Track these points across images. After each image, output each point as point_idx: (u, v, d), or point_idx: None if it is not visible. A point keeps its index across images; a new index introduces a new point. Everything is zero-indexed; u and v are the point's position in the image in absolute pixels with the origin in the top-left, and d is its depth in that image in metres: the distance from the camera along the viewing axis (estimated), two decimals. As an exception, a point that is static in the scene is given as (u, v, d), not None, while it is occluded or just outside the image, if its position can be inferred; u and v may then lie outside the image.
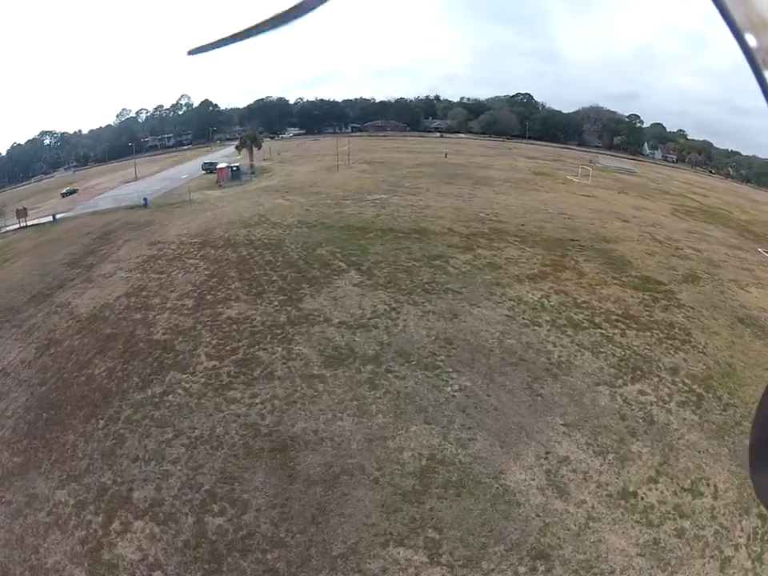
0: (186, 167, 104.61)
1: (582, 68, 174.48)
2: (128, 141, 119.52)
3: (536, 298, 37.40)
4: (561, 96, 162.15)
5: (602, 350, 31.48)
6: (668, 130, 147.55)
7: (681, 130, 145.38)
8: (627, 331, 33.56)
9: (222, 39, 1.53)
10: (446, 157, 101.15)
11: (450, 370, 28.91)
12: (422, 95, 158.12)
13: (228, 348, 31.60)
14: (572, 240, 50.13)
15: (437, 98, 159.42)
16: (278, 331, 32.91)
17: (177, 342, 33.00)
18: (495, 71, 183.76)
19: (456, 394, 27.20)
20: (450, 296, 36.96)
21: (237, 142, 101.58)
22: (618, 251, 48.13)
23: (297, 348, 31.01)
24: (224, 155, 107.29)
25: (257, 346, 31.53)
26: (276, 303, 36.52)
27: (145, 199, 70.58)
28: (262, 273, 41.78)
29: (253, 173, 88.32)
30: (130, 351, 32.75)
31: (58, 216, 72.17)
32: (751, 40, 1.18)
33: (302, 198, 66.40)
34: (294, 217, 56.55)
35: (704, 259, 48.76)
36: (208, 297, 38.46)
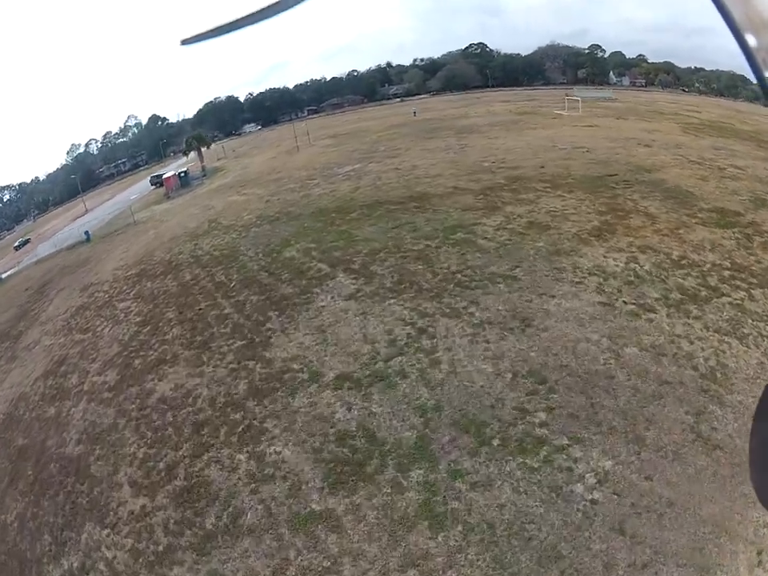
0: (138, 187, 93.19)
1: (526, 13, 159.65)
2: (81, 176, 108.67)
3: (622, 264, 24.55)
4: (512, 45, 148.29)
5: (744, 330, 19.51)
6: (628, 58, 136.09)
7: (641, 55, 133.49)
8: (753, 291, 21.87)
9: (211, 30, 1.45)
10: (415, 115, 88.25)
11: (566, 441, 14.97)
12: (374, 67, 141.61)
13: (161, 465, 17.83)
14: (610, 176, 38.42)
15: (389, 64, 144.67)
16: (237, 416, 18.93)
17: (92, 458, 19.78)
18: (442, 33, 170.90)
19: (596, 499, 13.34)
20: (501, 287, 23.06)
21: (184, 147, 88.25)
22: (668, 181, 37.18)
23: (273, 451, 16.87)
24: (178, 165, 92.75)
25: (205, 456, 17.47)
26: (230, 358, 22.59)
27: (86, 233, 58.74)
28: (210, 305, 28.25)
29: (204, 175, 75.74)
30: (40, 481, 20.00)
31: (4, 275, 60.83)
32: (751, 40, 1.15)
33: (260, 189, 52.74)
34: (251, 213, 43.38)
35: (752, 177, 38.01)
36: (136, 362, 25.20)
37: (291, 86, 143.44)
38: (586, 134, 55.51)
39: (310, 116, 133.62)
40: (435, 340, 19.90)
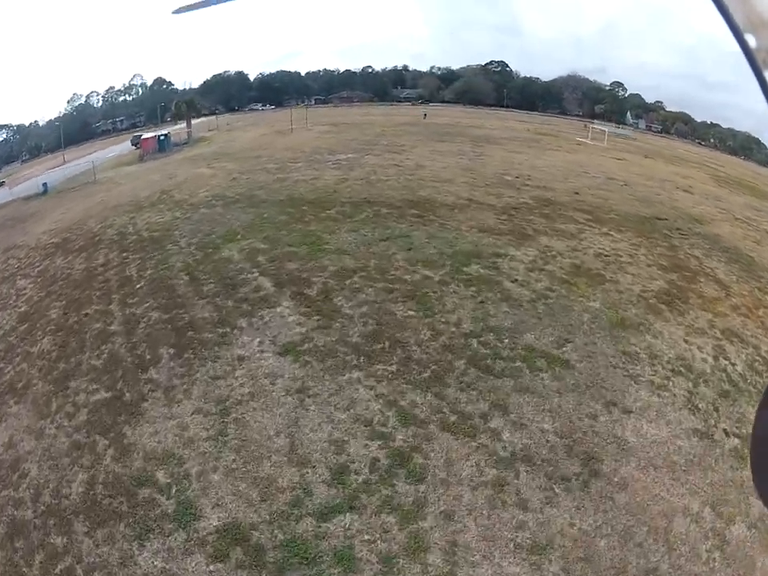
0: (123, 146, 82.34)
1: (546, 43, 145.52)
2: (78, 128, 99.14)
3: (710, 360, 16.32)
4: (528, 69, 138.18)
5: None
6: (646, 102, 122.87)
7: (658, 101, 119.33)
8: None
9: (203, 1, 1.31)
10: (425, 117, 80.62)
11: None
12: (390, 67, 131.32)
13: None
14: (659, 219, 31.47)
15: (405, 68, 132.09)
16: (56, 542, 10.94)
17: None
18: (460, 45, 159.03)
19: None
20: (546, 379, 14.32)
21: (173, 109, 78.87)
22: (723, 238, 30.49)
23: None
24: (172, 131, 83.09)
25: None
26: (82, 419, 14.10)
27: (44, 185, 51.63)
28: (100, 311, 19.80)
29: (186, 142, 67.92)
30: None
31: (-50, 218, 50.58)
32: (751, 40, 1.16)
33: (234, 163, 43.53)
34: (211, 190, 34.64)
35: (809, 247, 31.57)
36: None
37: (303, 73, 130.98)
38: (617, 167, 48.27)
39: (317, 105, 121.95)
40: (424, 490, 10.86)
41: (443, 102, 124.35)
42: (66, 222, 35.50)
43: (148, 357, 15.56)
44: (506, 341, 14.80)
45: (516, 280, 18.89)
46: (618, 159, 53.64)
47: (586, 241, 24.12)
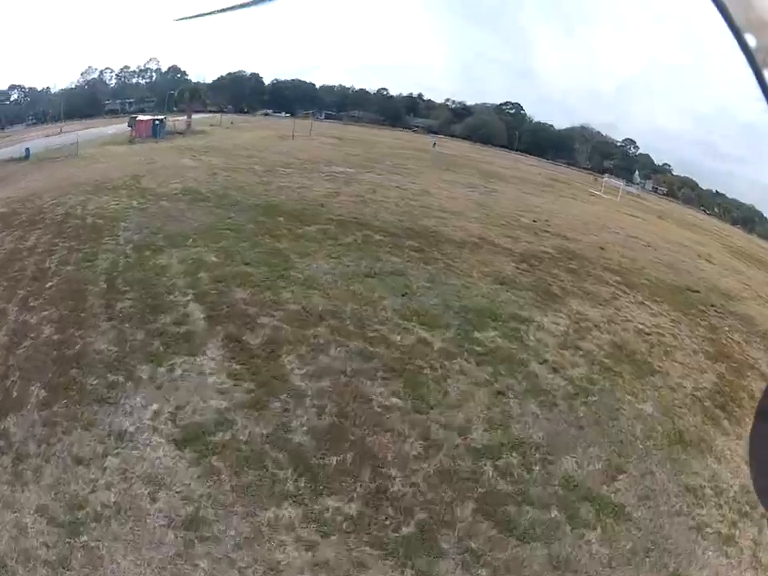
0: (122, 126, 75.65)
1: (560, 91, 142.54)
2: (86, 102, 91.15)
3: None
4: (539, 115, 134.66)
5: None
6: (655, 163, 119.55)
7: (666, 164, 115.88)
8: None
9: (211, 11, 1.38)
10: (434, 146, 75.80)
11: None
12: (405, 93, 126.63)
13: None
14: (692, 291, 27.74)
15: (420, 96, 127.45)
16: None
17: None
18: (475, 81, 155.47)
19: None
20: (591, 547, 8.70)
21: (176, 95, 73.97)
22: (758, 321, 26.15)
23: None
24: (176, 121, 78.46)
25: None
26: None
27: (26, 150, 49.55)
28: None
29: (180, 132, 64.31)
30: None
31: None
32: (751, 40, 1.14)
33: (221, 159, 39.59)
34: (184, 182, 30.48)
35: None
36: None
37: (317, 86, 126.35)
38: (635, 225, 45.49)
39: (327, 119, 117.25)
40: None
41: (453, 135, 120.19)
42: (25, 192, 31.75)
43: (14, 394, 10.53)
44: (536, 468, 9.66)
45: (546, 360, 14.12)
46: (634, 216, 50.76)
47: (623, 311, 20.09)
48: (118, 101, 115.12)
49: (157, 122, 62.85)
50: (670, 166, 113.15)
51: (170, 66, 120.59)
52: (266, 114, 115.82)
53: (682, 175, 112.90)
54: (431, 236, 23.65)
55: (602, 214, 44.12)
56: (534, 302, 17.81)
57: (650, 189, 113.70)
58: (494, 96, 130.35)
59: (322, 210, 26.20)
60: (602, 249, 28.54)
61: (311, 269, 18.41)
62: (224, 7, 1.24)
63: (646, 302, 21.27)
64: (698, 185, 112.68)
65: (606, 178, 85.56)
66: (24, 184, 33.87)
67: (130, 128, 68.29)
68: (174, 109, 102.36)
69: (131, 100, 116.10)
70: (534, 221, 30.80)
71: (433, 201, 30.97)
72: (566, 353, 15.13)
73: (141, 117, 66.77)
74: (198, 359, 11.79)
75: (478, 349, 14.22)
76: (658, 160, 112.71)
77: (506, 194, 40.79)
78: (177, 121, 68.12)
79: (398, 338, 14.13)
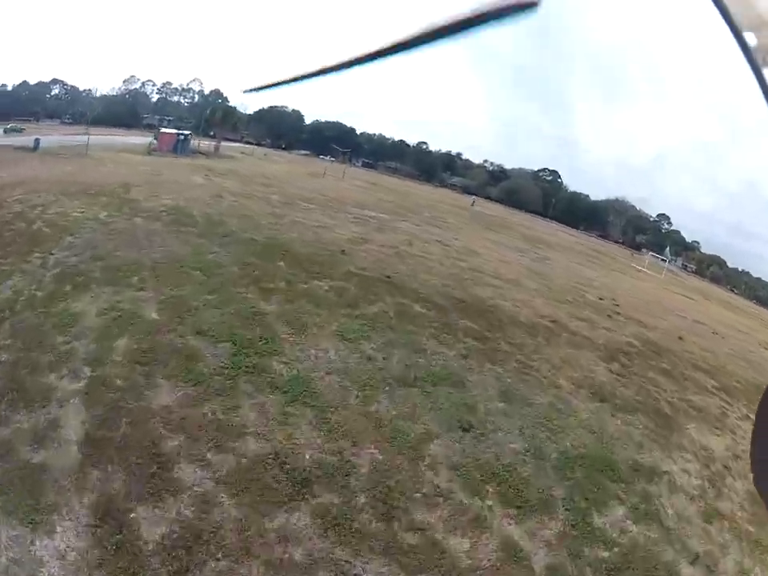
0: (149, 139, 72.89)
1: (595, 162, 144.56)
2: (128, 112, 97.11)
3: None
4: (573, 184, 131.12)
5: None
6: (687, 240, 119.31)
7: (695, 241, 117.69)
8: None
9: (279, 82, 1.30)
10: (473, 205, 70.07)
11: None
12: (444, 149, 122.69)
13: None
14: None
15: (459, 155, 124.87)
16: None
17: None
18: (514, 145, 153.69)
19: None
20: None
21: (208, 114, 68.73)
22: None
23: None
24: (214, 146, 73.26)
25: None
26: None
27: (36, 141, 47.78)
28: None
29: (204, 153, 56.61)
30: None
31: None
32: (751, 39, 1.09)
33: (235, 183, 33.71)
34: (177, 199, 24.32)
35: None
36: None
37: (358, 131, 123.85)
38: (690, 306, 39.56)
39: (363, 167, 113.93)
40: None
41: (488, 197, 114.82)
42: (6, 180, 27.59)
43: None
44: None
45: (697, 556, 7.84)
46: (685, 297, 45.12)
47: (738, 434, 13.90)
48: (157, 116, 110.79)
49: (181, 137, 56.00)
50: (698, 243, 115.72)
51: (213, 89, 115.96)
52: (305, 154, 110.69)
53: (710, 253, 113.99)
54: (490, 313, 16.18)
55: (655, 292, 38.48)
56: (651, 433, 11.01)
57: (680, 266, 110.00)
58: (531, 161, 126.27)
59: (342, 257, 18.73)
60: (681, 339, 22.24)
61: (305, 355, 10.87)
62: (290, 78, 1.15)
63: (750, 415, 13.99)
64: (725, 263, 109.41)
65: (643, 254, 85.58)
66: (13, 172, 29.70)
67: (154, 140, 62.26)
68: (211, 133, 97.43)
69: (170, 117, 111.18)
70: (601, 299, 24.88)
71: (482, 263, 24.32)
72: (711, 529, 8.68)
73: (165, 129, 60.59)
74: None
75: (603, 555, 7.44)
76: (688, 237, 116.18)
77: (558, 262, 34.60)
78: (207, 143, 62.31)
79: (464, 545, 7.27)
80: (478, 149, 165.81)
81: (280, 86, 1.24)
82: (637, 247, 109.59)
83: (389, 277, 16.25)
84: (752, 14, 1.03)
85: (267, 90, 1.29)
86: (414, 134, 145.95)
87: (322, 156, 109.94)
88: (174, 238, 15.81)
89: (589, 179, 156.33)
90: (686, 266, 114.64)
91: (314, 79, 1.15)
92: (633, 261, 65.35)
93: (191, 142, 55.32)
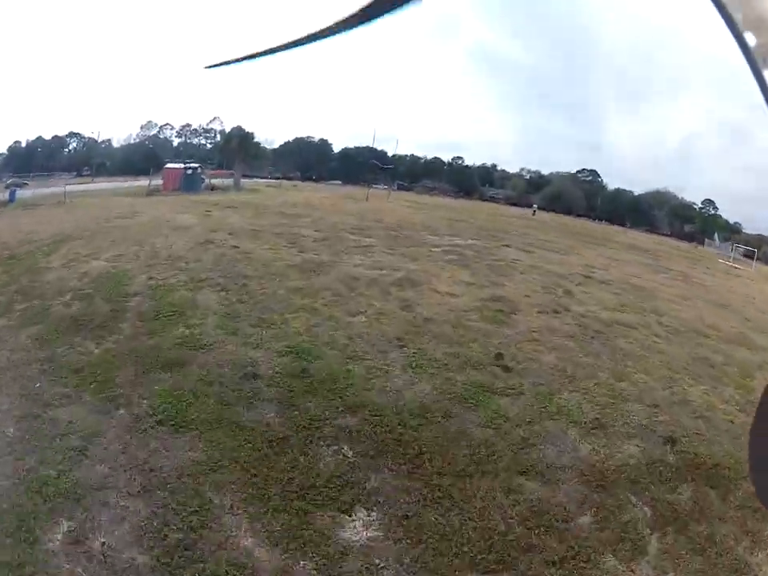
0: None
1: (624, 159, 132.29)
2: (148, 158, 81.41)
3: None
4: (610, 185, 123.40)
5: None
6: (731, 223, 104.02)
7: (737, 223, 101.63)
8: None
9: (244, 57, 1.28)
10: (534, 214, 67.97)
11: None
12: (478, 163, 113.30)
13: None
14: None
15: (494, 166, 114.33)
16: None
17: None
18: (545, 154, 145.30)
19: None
20: None
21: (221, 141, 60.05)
22: None
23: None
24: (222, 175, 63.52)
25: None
26: None
27: (11, 193, 43.22)
28: None
29: (219, 189, 48.79)
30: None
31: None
32: (751, 39, 1.08)
33: (245, 218, 24.71)
34: (128, 260, 16.97)
35: None
36: None
37: (390, 154, 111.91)
38: None
39: (399, 190, 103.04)
40: None
41: (529, 206, 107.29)
42: None
43: None
44: None
45: None
46: None
47: None
48: (179, 160, 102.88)
49: (189, 170, 46.51)
50: (740, 224, 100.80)
51: (234, 126, 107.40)
52: (337, 184, 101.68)
53: (754, 233, 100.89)
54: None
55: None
56: None
57: (730, 251, 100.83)
58: (564, 165, 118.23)
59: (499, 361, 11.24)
60: None
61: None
62: (255, 52, 1.14)
63: None
64: None
65: (706, 245, 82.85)
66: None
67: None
68: (229, 167, 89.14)
69: (192, 160, 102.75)
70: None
71: (666, 306, 15.31)
72: None
73: (169, 165, 51.73)
74: None
75: None
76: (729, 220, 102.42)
77: (701, 279, 25.68)
78: (218, 174, 52.52)
79: None
80: (509, 162, 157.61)
81: (244, 61, 1.19)
82: (683, 238, 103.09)
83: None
84: (752, 14, 1.01)
85: (231, 65, 1.23)
86: (444, 153, 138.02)
87: (362, 182, 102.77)
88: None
89: (623, 176, 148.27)
90: (735, 248, 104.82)
91: (277, 53, 1.13)
92: (712, 257, 59.98)
93: (202, 176, 46.06)
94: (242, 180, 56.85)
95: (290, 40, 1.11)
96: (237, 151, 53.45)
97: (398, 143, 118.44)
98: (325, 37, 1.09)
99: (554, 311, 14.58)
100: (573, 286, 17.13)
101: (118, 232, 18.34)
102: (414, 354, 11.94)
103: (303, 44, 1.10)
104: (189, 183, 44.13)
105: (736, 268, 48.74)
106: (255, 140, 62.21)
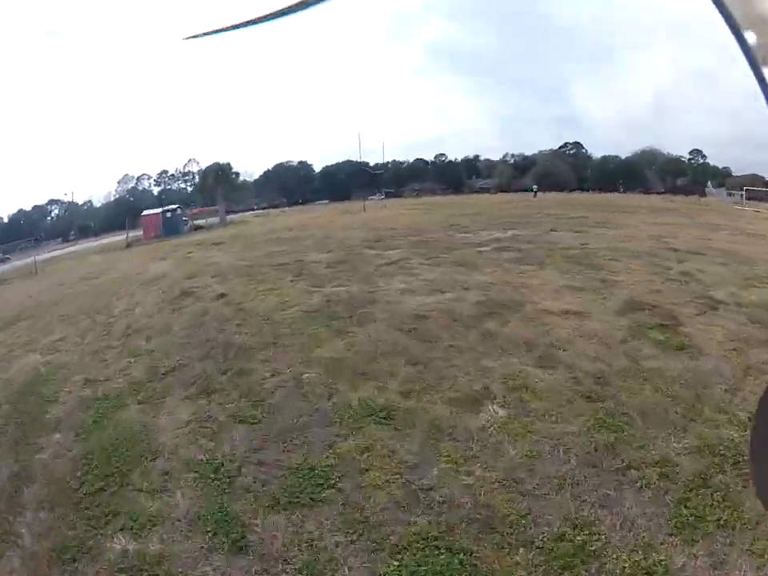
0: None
1: (601, 128, 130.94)
2: (130, 211, 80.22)
3: None
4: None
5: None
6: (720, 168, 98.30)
7: (726, 167, 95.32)
8: None
9: (221, 28, 1.26)
10: (535, 196, 65.41)
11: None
12: (460, 158, 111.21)
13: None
14: None
15: (476, 157, 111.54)
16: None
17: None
18: (523, 136, 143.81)
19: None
20: None
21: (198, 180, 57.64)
22: None
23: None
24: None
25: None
26: None
27: None
28: None
29: (202, 227, 45.86)
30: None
31: None
32: (751, 38, 1.06)
33: (235, 254, 19.06)
34: (63, 352, 11.07)
35: None
36: None
37: (371, 164, 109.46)
38: None
39: (388, 198, 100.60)
40: None
41: (523, 190, 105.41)
42: None
43: None
44: None
45: None
46: None
47: None
48: (161, 207, 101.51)
49: (168, 212, 43.44)
50: (729, 168, 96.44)
51: (211, 163, 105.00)
52: (325, 203, 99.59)
53: (743, 174, 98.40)
54: None
55: None
56: None
57: (726, 195, 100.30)
58: (546, 143, 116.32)
59: None
60: None
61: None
62: (236, 24, 1.11)
63: None
64: (763, 178, 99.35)
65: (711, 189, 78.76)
66: None
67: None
68: (211, 204, 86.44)
69: (174, 206, 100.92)
70: None
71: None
72: None
73: (146, 212, 48.90)
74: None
75: None
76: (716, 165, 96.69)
77: (752, 229, 23.03)
78: (202, 212, 49.56)
79: None
80: (491, 150, 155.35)
81: (223, 32, 1.17)
82: (683, 192, 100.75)
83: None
84: (752, 14, 0.99)
85: (210, 36, 1.20)
86: (426, 153, 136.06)
87: (350, 197, 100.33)
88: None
89: (606, 143, 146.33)
90: (732, 193, 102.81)
91: (258, 24, 1.11)
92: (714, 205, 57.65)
93: (184, 217, 43.04)
94: (229, 215, 53.74)
95: (266, 12, 1.07)
96: (216, 186, 50.23)
97: (384, 147, 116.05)
98: (299, 10, 1.07)
99: (711, 308, 10.48)
100: (675, 264, 13.39)
101: (74, 301, 14.44)
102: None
103: (278, 17, 1.08)
104: (170, 227, 41.27)
105: (758, 212, 44.80)
106: (233, 170, 59.11)
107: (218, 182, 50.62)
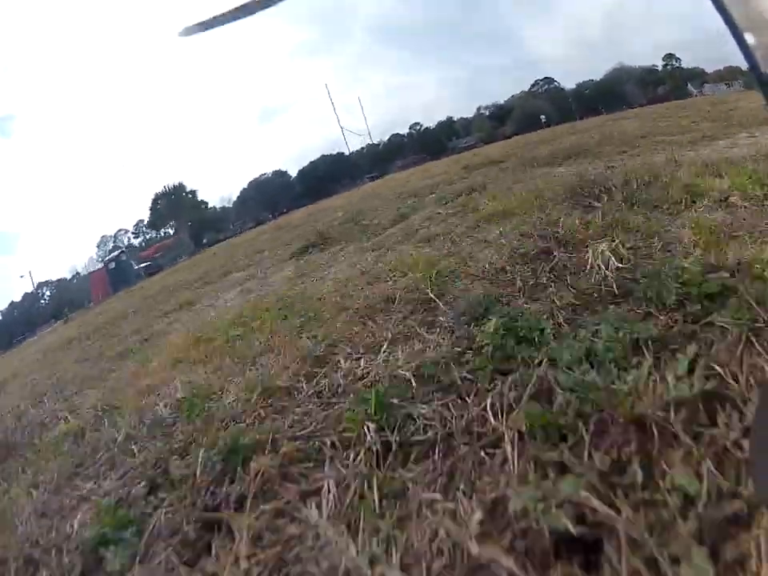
0: None
1: (564, 61, 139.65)
2: (120, 273, 73.74)
3: None
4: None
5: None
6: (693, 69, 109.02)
7: (697, 67, 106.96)
8: None
9: (213, 19, 1.27)
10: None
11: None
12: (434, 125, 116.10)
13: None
14: None
15: (450, 119, 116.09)
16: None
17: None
18: (487, 95, 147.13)
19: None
20: None
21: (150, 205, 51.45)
22: None
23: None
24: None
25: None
26: None
27: None
28: None
29: (155, 269, 37.43)
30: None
31: None
32: (750, 39, 1.07)
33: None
34: None
35: None
36: None
37: (347, 153, 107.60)
38: None
39: (372, 182, 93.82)
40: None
41: (507, 137, 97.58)
42: None
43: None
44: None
45: None
46: None
47: None
48: (142, 265, 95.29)
49: (111, 265, 36.60)
50: (701, 68, 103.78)
51: (175, 184, 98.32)
52: (300, 207, 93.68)
53: (720, 68, 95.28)
54: None
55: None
56: None
57: (712, 93, 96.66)
58: (516, 90, 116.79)
59: None
60: None
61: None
62: (232, 15, 1.09)
63: None
64: (739, 70, 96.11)
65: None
66: None
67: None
68: (205, 242, 78.61)
69: (117, 252, 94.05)
70: None
71: None
72: None
73: (92, 270, 42.24)
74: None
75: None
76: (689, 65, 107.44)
77: None
78: (157, 249, 41.78)
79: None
80: (463, 110, 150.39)
81: (220, 24, 1.16)
82: (657, 101, 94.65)
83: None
84: (752, 14, 0.99)
85: (208, 29, 1.18)
86: (397, 129, 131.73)
87: (334, 191, 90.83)
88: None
89: (575, 74, 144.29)
90: (731, 84, 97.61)
91: (254, 14, 1.11)
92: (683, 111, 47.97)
93: (131, 261, 35.54)
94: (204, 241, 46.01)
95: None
96: (173, 212, 42.53)
97: (369, 133, 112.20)
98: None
99: None
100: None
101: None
102: None
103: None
104: (118, 278, 33.94)
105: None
106: (189, 189, 50.79)
107: (171, 207, 42.79)
